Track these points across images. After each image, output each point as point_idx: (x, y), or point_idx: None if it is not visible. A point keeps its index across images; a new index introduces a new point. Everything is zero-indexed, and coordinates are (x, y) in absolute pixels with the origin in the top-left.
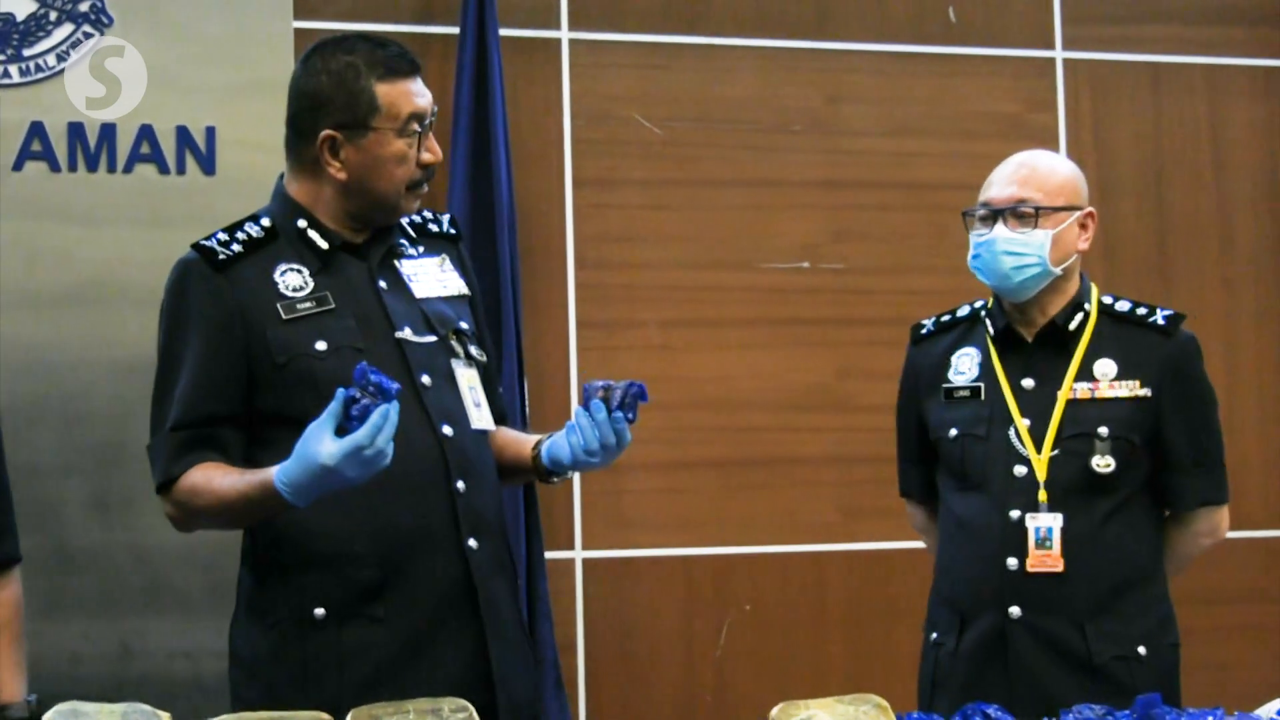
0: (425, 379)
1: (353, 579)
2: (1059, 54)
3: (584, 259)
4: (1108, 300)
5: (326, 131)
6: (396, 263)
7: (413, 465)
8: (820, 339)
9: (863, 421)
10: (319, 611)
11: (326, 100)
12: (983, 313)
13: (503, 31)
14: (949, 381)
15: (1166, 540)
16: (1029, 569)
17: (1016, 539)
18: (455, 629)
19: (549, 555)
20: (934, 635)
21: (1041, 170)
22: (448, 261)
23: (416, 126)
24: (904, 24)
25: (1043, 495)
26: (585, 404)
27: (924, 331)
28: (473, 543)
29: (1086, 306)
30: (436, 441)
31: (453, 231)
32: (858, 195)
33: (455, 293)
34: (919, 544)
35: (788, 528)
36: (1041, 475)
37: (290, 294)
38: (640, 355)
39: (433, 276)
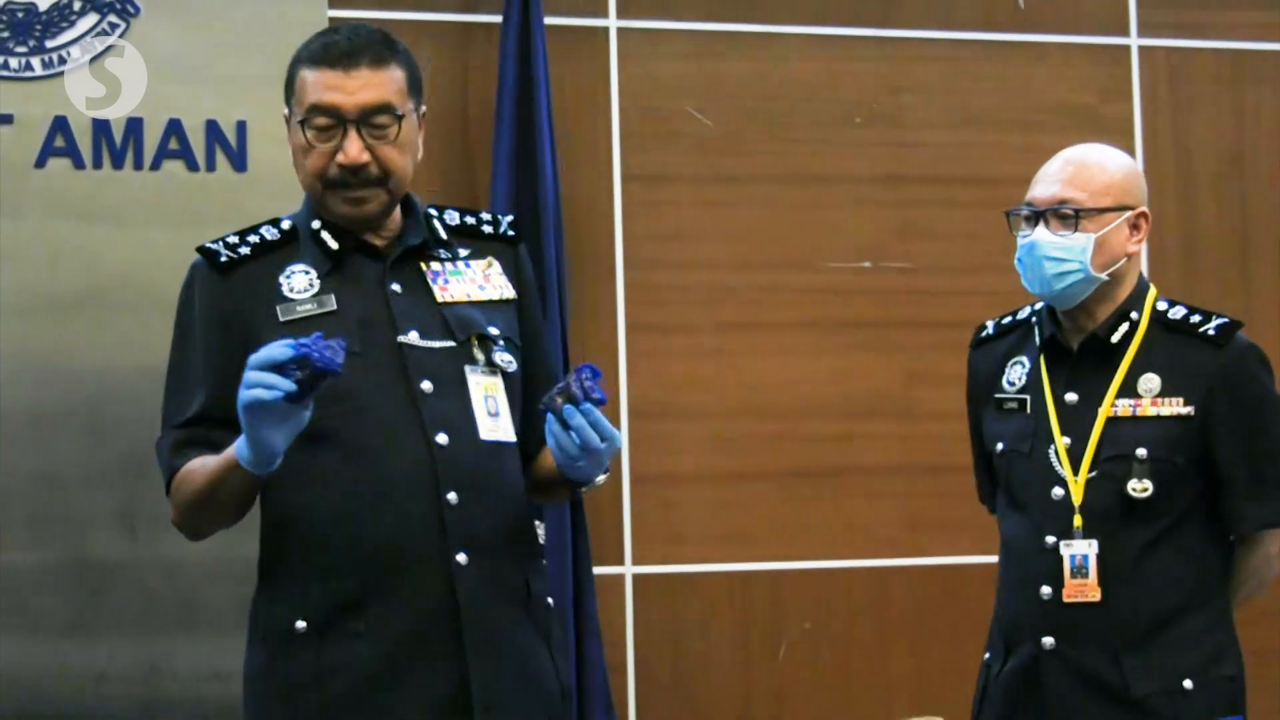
0: (426, 385)
1: (333, 591)
2: (1134, 41)
3: (634, 259)
4: (1162, 306)
5: (283, 112)
6: (423, 265)
7: (398, 474)
8: (883, 343)
9: (928, 429)
10: (300, 624)
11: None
12: (1034, 318)
13: (548, 19)
14: (1002, 391)
15: (1236, 564)
16: (1065, 599)
17: (1052, 566)
18: (436, 649)
19: (597, 571)
20: (987, 655)
21: (1090, 167)
22: (496, 265)
23: (322, 120)
24: (971, 10)
25: (1078, 520)
26: (549, 410)
27: (984, 334)
28: (462, 558)
29: (1134, 315)
30: (427, 450)
31: (511, 234)
32: (922, 191)
33: (495, 297)
34: (987, 558)
35: (849, 541)
36: (1077, 499)
37: (292, 296)
38: (693, 360)
39: (468, 280)
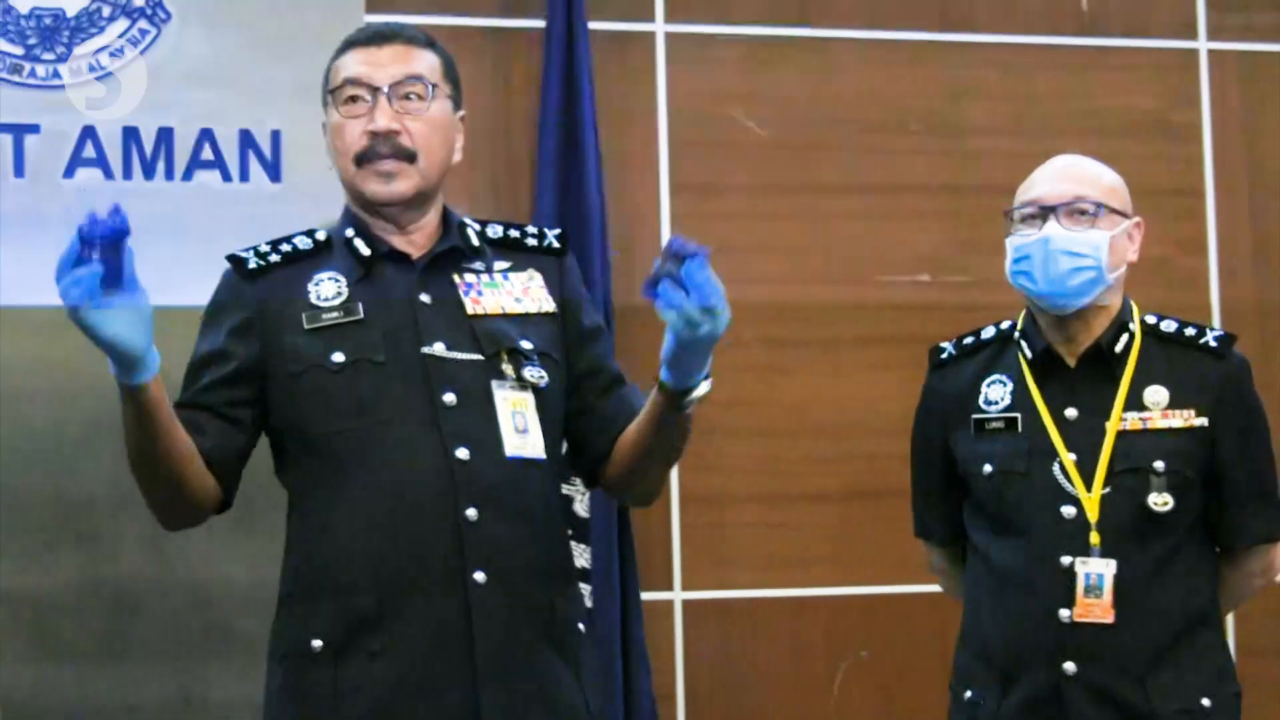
0: (448, 397)
1: (349, 609)
2: (1203, 45)
3: None
4: (1151, 320)
5: (323, 122)
6: (456, 276)
7: (414, 489)
8: None
9: None
10: (316, 644)
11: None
12: (1016, 334)
13: (593, 24)
14: (980, 411)
15: (1225, 577)
16: (1076, 619)
17: (1069, 587)
18: (449, 670)
19: (645, 596)
20: (968, 694)
21: (1093, 169)
22: (539, 278)
23: (352, 91)
24: (1033, 14)
25: (1095, 538)
26: (657, 281)
27: (944, 356)
28: (479, 576)
29: (1131, 326)
30: (447, 465)
31: (557, 246)
32: (983, 201)
33: (533, 310)
34: None
35: (908, 566)
36: (1093, 515)
37: (319, 303)
38: (744, 377)
39: (504, 292)
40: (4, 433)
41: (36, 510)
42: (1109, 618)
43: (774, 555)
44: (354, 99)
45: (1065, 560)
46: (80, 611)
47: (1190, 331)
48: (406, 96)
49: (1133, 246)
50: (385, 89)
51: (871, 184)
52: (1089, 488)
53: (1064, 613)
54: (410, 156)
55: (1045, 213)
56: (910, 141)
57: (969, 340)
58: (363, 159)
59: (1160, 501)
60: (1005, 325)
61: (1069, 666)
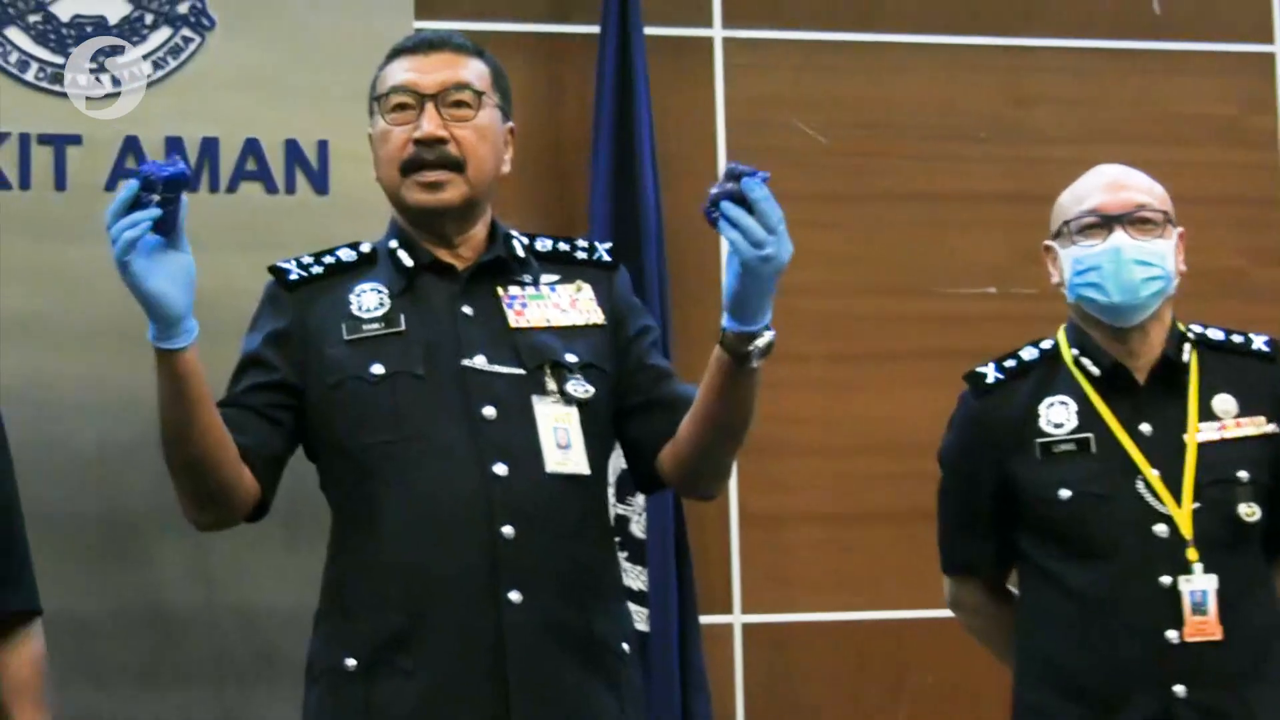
0: (488, 411)
1: (381, 626)
2: (1279, 48)
3: None
4: (1198, 329)
5: (368, 132)
6: (500, 289)
7: (449, 505)
8: None
9: None
10: (349, 661)
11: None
12: (1073, 352)
13: (648, 30)
14: (1045, 435)
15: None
16: (1186, 638)
17: (1172, 608)
18: (481, 690)
19: (704, 620)
20: None
21: (1145, 179)
22: (588, 289)
23: (399, 99)
24: (1102, 16)
25: (1192, 554)
26: (717, 203)
27: (990, 381)
28: (515, 596)
29: (1190, 336)
30: (483, 480)
31: (607, 260)
32: (1050, 210)
33: (580, 322)
34: None
35: None
36: (1187, 532)
37: (360, 314)
38: (804, 392)
39: (550, 304)
40: (46, 451)
41: (79, 530)
42: (1218, 634)
43: (837, 577)
44: (401, 106)
45: (1165, 580)
46: (124, 635)
47: (1238, 339)
48: (454, 104)
49: (1180, 257)
50: (433, 96)
51: (935, 193)
52: (1179, 503)
53: (1171, 634)
54: (458, 165)
55: (1109, 223)
56: (975, 149)
57: (1011, 363)
58: (408, 168)
59: (1248, 511)
60: (1046, 344)
61: (1179, 689)
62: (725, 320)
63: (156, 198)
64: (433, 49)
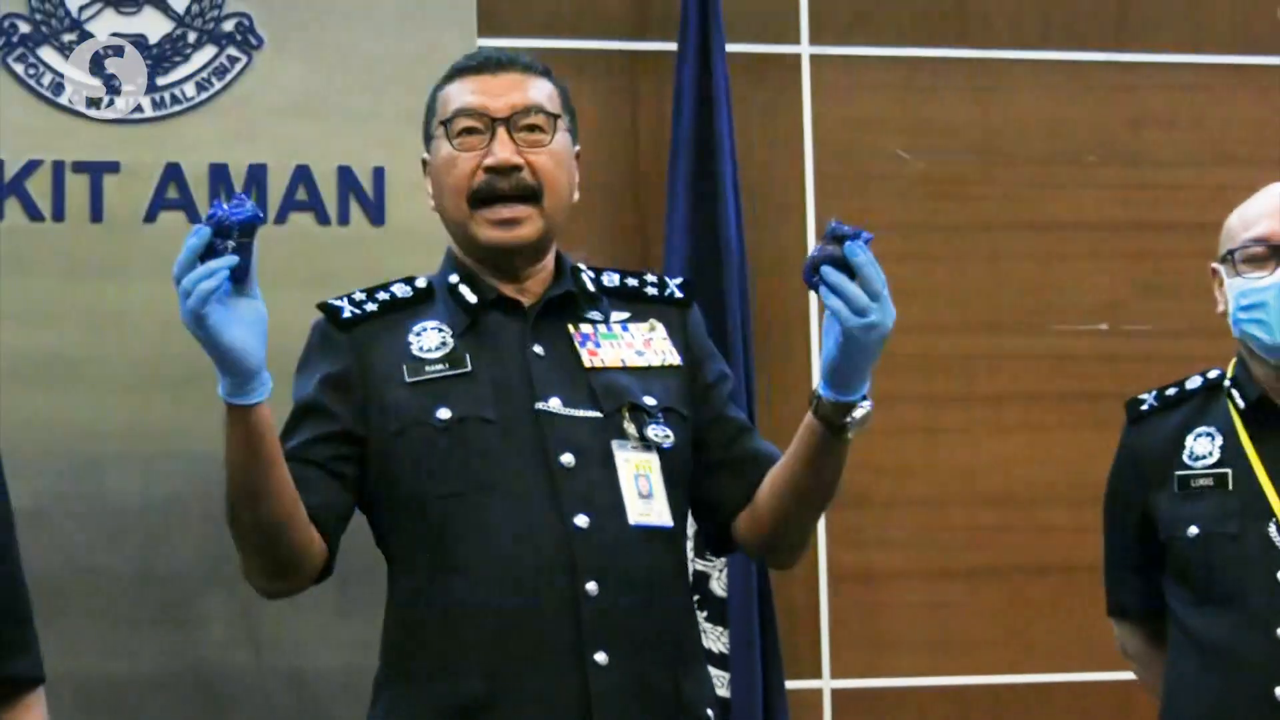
0: (566, 458)
1: (455, 694)
2: None
3: None
4: None
5: (422, 158)
6: (571, 326)
7: (529, 560)
8: (1123, 418)
9: None
10: None
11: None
12: (1226, 382)
13: (730, 47)
14: (1185, 468)
15: None
16: None
17: None
18: None
19: (790, 685)
20: None
21: None
22: (660, 329)
23: (466, 123)
24: (1223, 30)
25: None
26: (821, 265)
27: (1144, 408)
28: (601, 658)
29: None
30: (564, 534)
31: (680, 296)
32: (1168, 240)
33: (655, 364)
34: None
35: (1085, 650)
36: None
37: (422, 354)
38: (900, 438)
39: (623, 344)
40: (83, 504)
41: (118, 588)
42: None
43: (935, 639)
44: (468, 130)
45: None
46: (166, 699)
47: None
48: (527, 128)
49: None
50: (504, 120)
51: (1041, 221)
52: None
53: (1279, 691)
54: (534, 194)
55: (1277, 254)
56: (1085, 174)
57: (1171, 391)
58: (479, 198)
59: None
60: (1213, 374)
61: None
62: (821, 387)
63: (232, 244)
64: (500, 68)
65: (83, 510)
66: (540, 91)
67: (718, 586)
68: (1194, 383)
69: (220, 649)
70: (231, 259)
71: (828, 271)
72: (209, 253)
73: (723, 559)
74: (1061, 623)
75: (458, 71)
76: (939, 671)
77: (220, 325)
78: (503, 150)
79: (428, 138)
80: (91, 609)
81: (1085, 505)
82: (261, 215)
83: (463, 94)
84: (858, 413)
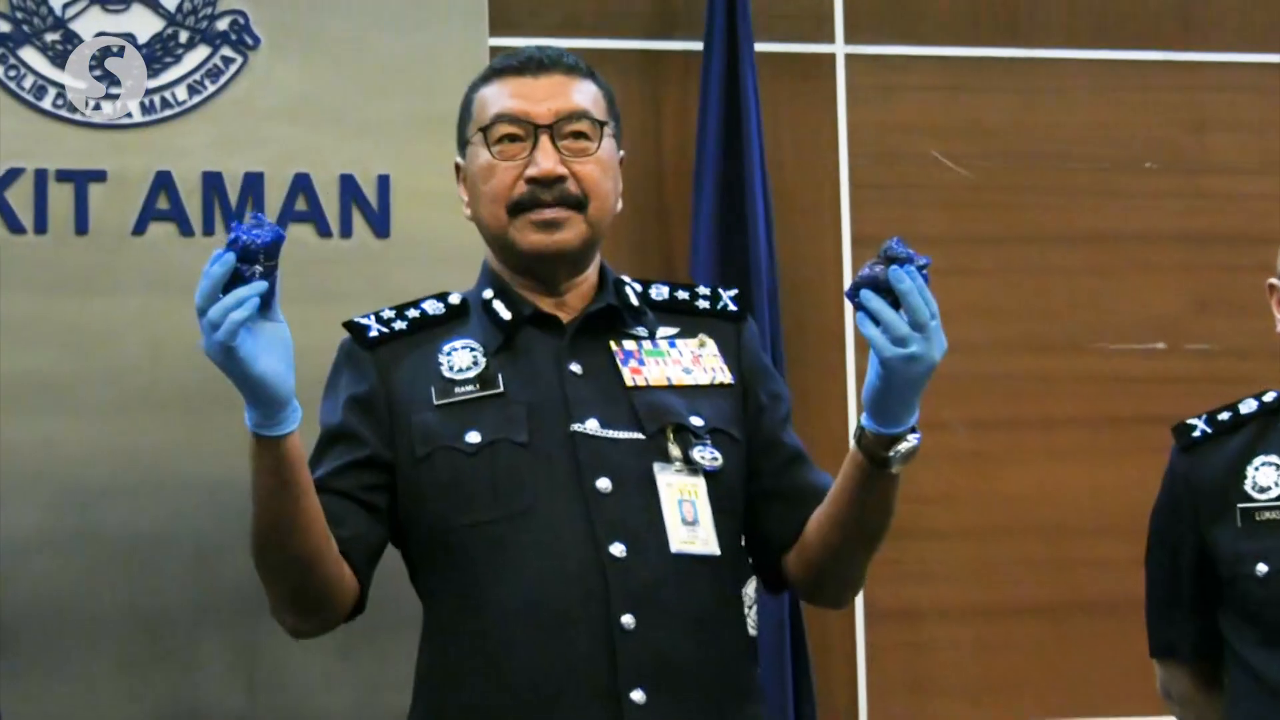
0: (602, 483)
1: None
2: None
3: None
4: None
5: (455, 162)
6: (612, 343)
7: (561, 591)
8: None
9: None
10: None
11: (457, 130)
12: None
13: (759, 46)
14: (1249, 500)
15: None
16: None
17: None
18: None
19: None
20: None
21: None
22: (711, 344)
23: (508, 129)
24: None
25: None
26: (863, 287)
27: (1195, 435)
28: (638, 696)
29: None
30: (598, 563)
31: (734, 309)
32: (1230, 254)
33: (704, 382)
34: None
35: (1140, 692)
36: None
37: (452, 375)
38: (943, 465)
39: (670, 361)
40: (65, 537)
41: (105, 627)
42: None
43: (981, 681)
44: (509, 138)
45: None
46: None
47: None
48: (572, 135)
49: None
50: (547, 127)
51: (1094, 233)
52: None
53: None
54: (579, 205)
55: None
56: (1143, 182)
57: (1224, 415)
58: (520, 208)
59: None
60: (1269, 397)
61: None
62: (864, 419)
63: (259, 269)
64: (542, 70)
65: (66, 543)
66: (585, 95)
67: (747, 624)
68: (1249, 406)
69: (214, 691)
70: (261, 285)
71: (867, 296)
72: (233, 280)
73: (753, 593)
74: (1118, 664)
75: (496, 72)
76: (983, 715)
77: (252, 356)
78: (546, 160)
79: (463, 143)
80: (75, 649)
81: (1139, 537)
82: (283, 234)
83: (502, 97)
84: (903, 446)
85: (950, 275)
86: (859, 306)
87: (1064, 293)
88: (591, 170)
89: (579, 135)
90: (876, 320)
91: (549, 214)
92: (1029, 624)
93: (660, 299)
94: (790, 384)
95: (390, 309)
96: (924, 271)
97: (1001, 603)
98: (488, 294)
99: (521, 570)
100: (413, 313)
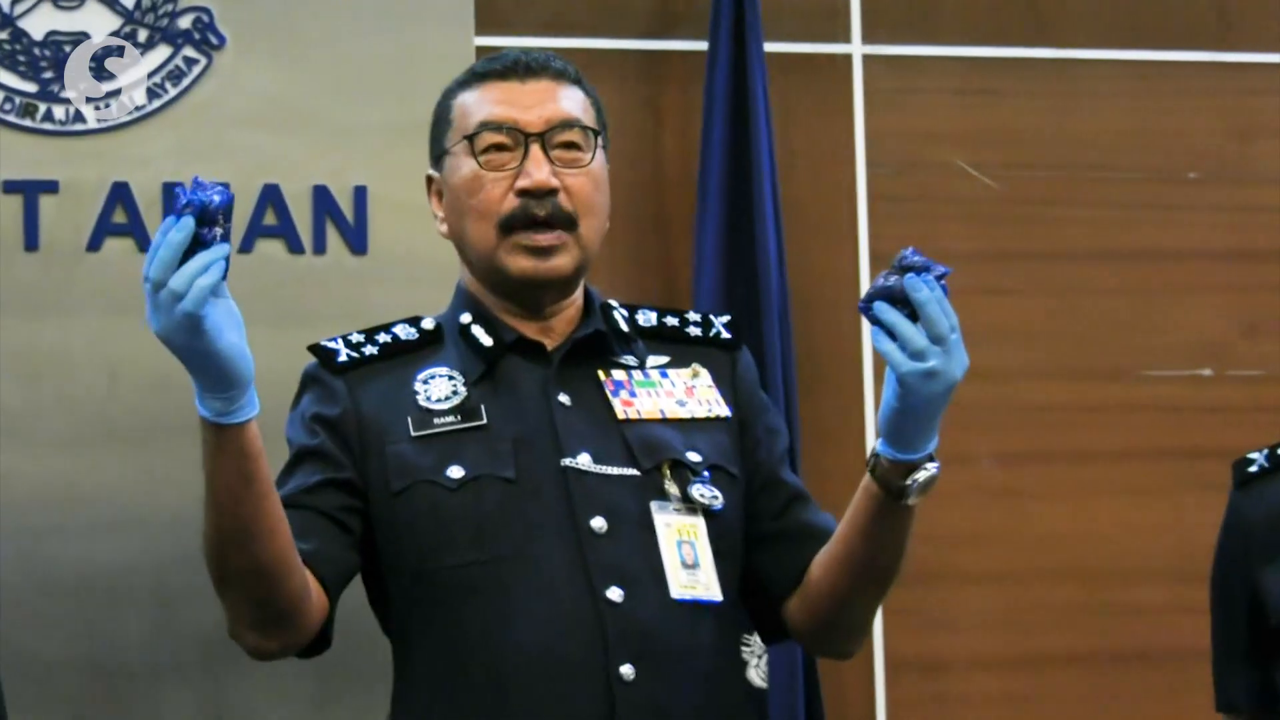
0: (596, 522)
1: None
2: None
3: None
4: None
5: (427, 174)
6: (601, 372)
7: (553, 641)
8: (1229, 478)
9: None
10: None
11: (430, 138)
12: None
13: (769, 46)
14: None
15: None
16: None
17: None
18: None
19: None
20: None
21: None
22: (705, 374)
23: (495, 138)
24: None
25: None
26: (877, 299)
27: (1253, 470)
28: None
29: None
30: (594, 610)
31: (727, 337)
32: None
33: (700, 415)
34: None
35: None
36: None
37: (430, 405)
38: (971, 502)
39: (663, 393)
40: (15, 579)
41: (58, 677)
42: None
43: None
44: (497, 147)
45: None
46: None
47: None
48: (563, 145)
49: None
50: (538, 136)
51: (1135, 249)
52: None
53: None
54: (571, 222)
55: None
56: (1185, 193)
57: None
58: (512, 225)
59: None
60: None
61: None
62: (879, 444)
63: (220, 230)
64: (529, 74)
65: (15, 587)
66: (575, 102)
67: (756, 675)
68: None
69: None
70: (224, 247)
71: (881, 308)
72: (203, 241)
73: (761, 643)
74: (1155, 715)
75: (478, 76)
76: None
77: (217, 329)
78: (538, 171)
79: (439, 153)
80: (25, 701)
81: (1188, 581)
82: (230, 195)
83: (487, 104)
84: (921, 475)
85: (977, 295)
86: (873, 320)
87: (1101, 314)
88: (584, 184)
89: (570, 145)
90: (892, 334)
91: (542, 239)
92: (1064, 675)
93: (648, 325)
94: (803, 413)
95: (359, 333)
96: (943, 282)
97: (1034, 652)
98: (465, 318)
99: (511, 617)
100: (383, 337)
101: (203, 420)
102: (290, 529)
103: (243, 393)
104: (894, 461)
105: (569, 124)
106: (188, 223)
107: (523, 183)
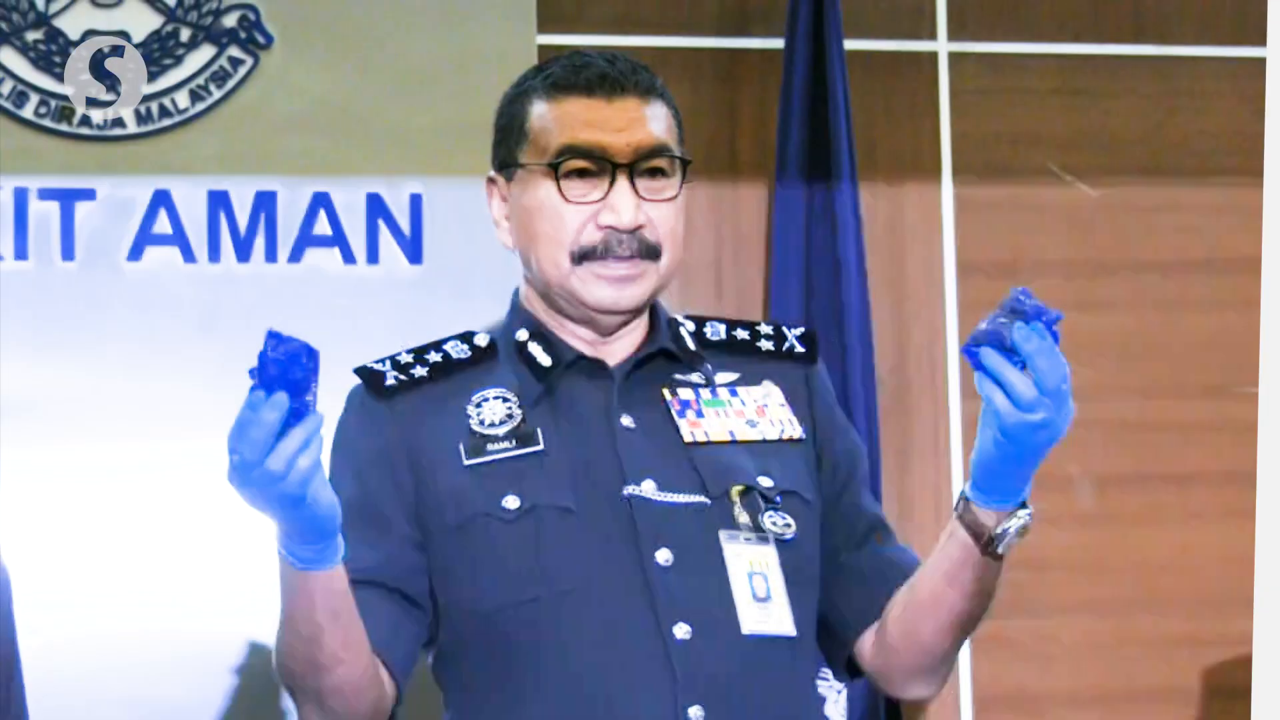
0: (663, 555)
1: None
2: None
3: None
4: None
5: (488, 175)
6: (666, 392)
7: (620, 681)
8: None
9: None
10: None
11: (494, 140)
12: None
13: (850, 43)
14: None
15: None
16: None
17: None
18: None
19: None
20: None
21: None
22: (777, 393)
23: (581, 164)
24: None
25: None
26: (984, 342)
27: None
28: None
29: None
30: (662, 648)
31: (801, 350)
32: None
33: (772, 436)
34: None
35: None
36: None
37: (484, 429)
38: (1065, 529)
39: (733, 413)
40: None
41: None
42: None
43: None
44: (579, 173)
45: None
46: None
47: None
48: (649, 173)
49: None
50: (626, 166)
51: (1241, 259)
52: None
53: None
54: (655, 253)
55: None
56: None
57: None
58: (586, 255)
59: None
60: None
61: None
62: (969, 488)
63: (311, 399)
64: (615, 92)
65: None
66: (661, 123)
67: (835, 711)
68: None
69: None
70: (319, 418)
71: (986, 354)
72: (295, 413)
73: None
74: None
75: (559, 88)
76: None
77: (315, 499)
78: (626, 209)
79: (509, 161)
80: None
81: None
82: (315, 350)
83: (570, 125)
84: (1014, 523)
85: (1072, 309)
86: (977, 366)
87: (1205, 328)
88: (668, 215)
89: (657, 172)
90: (998, 381)
91: (623, 269)
92: (1164, 712)
93: (716, 339)
94: (885, 436)
95: (408, 352)
96: (1055, 329)
97: (1132, 688)
98: (522, 335)
99: (572, 657)
100: (434, 356)
101: (284, 562)
102: (359, 614)
103: (331, 539)
104: (986, 510)
105: (657, 150)
106: (281, 400)
107: (609, 219)
